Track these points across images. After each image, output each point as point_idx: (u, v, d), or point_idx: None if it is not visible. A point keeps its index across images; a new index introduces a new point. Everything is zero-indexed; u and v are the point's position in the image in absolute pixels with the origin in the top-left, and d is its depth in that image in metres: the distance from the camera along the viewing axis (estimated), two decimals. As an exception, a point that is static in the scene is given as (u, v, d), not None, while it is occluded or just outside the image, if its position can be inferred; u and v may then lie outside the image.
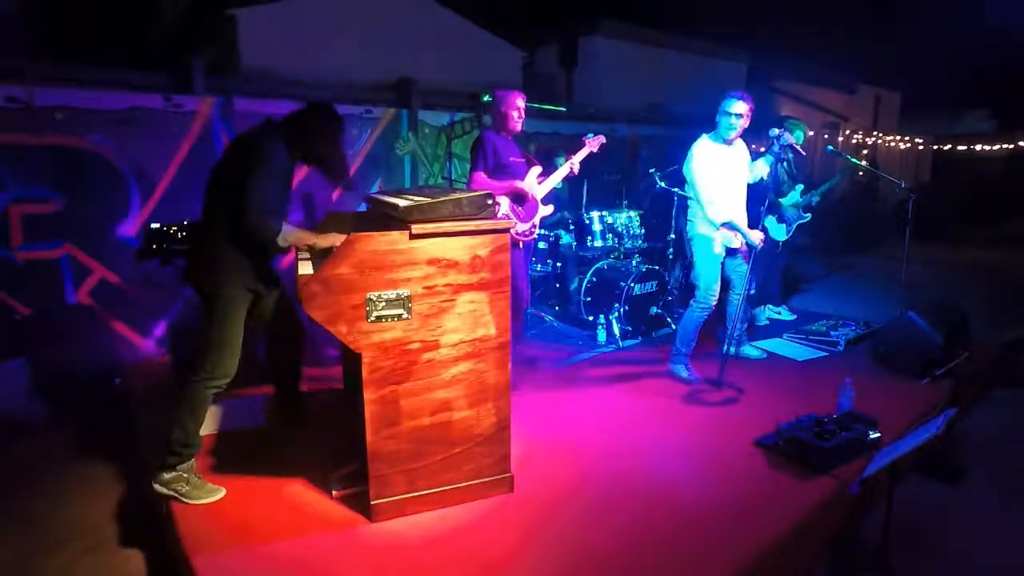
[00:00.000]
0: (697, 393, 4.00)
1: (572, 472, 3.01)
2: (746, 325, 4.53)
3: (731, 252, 4.12)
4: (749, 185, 4.19)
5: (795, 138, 5.14)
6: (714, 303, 4.07)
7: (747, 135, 4.12)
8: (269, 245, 2.74)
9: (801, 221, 5.37)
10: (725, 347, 4.16)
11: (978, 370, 4.49)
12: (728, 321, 4.32)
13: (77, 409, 4.05)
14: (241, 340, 2.82)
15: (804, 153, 4.56)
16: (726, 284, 4.24)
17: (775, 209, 5.21)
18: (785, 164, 5.25)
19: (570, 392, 4.03)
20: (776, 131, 4.15)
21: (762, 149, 4.34)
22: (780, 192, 5.26)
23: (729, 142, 4.03)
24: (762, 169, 4.28)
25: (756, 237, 3.99)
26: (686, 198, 5.17)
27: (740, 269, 4.17)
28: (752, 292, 4.15)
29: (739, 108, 3.92)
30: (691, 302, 4.15)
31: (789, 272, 6.15)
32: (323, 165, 2.93)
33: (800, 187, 5.33)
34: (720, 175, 3.98)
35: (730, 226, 3.99)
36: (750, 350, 4.62)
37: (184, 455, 2.73)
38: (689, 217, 4.17)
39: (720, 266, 4.07)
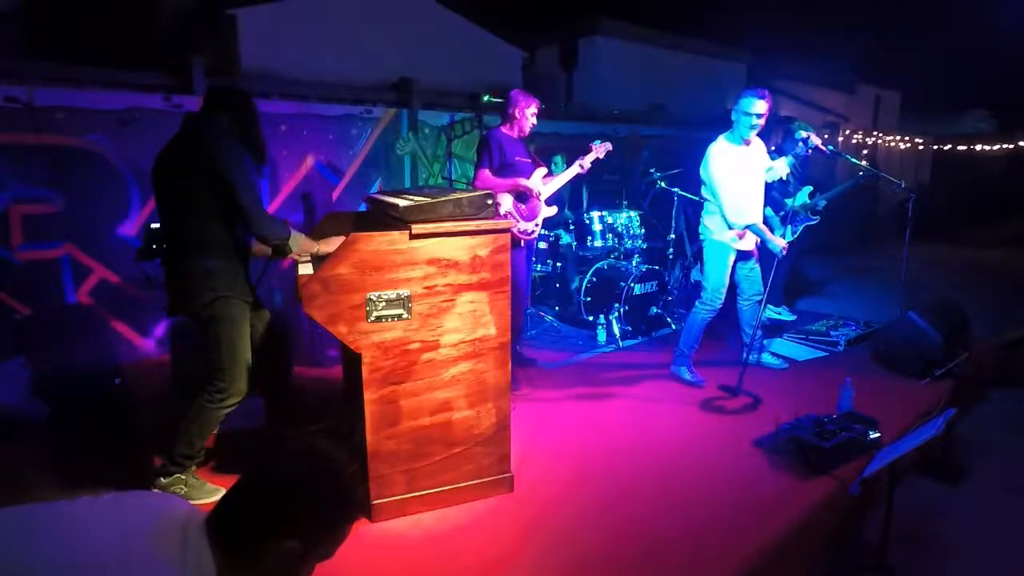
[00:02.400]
0: (697, 393, 4.00)
1: (572, 472, 3.02)
2: (761, 332, 4.37)
3: (742, 256, 4.04)
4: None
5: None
6: (720, 305, 4.02)
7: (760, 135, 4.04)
8: (280, 246, 2.67)
9: (809, 223, 5.36)
10: (745, 354, 4.07)
11: (978, 370, 4.48)
12: (743, 328, 4.23)
13: (77, 409, 4.05)
14: (250, 355, 2.72)
15: (827, 152, 4.48)
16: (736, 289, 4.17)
17: (779, 208, 5.20)
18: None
19: (570, 392, 4.03)
20: (803, 133, 4.08)
21: (772, 148, 4.29)
22: (787, 193, 5.26)
23: (748, 143, 3.93)
24: (782, 169, 4.22)
25: (779, 244, 3.92)
26: (686, 198, 5.14)
27: (752, 274, 4.10)
28: (761, 296, 4.08)
29: (760, 107, 3.77)
30: (696, 303, 4.10)
31: (796, 273, 6.14)
32: (253, 147, 2.74)
33: (808, 188, 5.32)
34: (740, 177, 3.87)
35: (753, 230, 3.91)
36: (770, 359, 4.50)
37: (186, 465, 2.72)
38: (703, 219, 4.06)
39: (730, 269, 4.00)
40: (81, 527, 1.18)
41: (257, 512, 1.22)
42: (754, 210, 3.94)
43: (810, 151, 4.06)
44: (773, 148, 5.38)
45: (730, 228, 3.90)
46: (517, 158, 3.99)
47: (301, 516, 1.23)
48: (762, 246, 4.06)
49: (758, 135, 4.00)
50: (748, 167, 3.94)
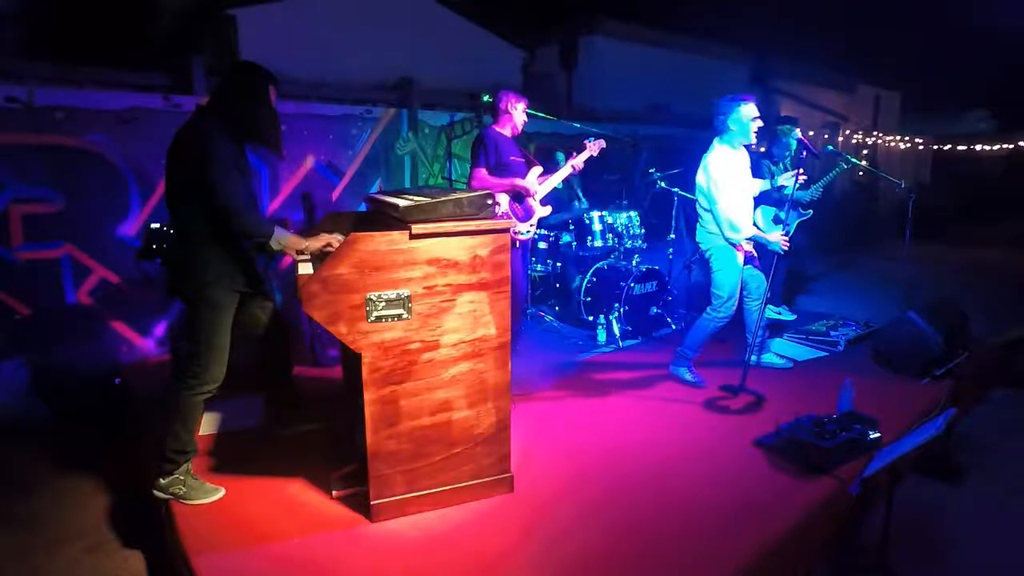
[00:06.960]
0: (697, 394, 4.00)
1: (572, 472, 3.01)
2: (766, 333, 4.30)
3: (746, 259, 4.00)
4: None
5: (788, 142, 5.18)
6: (733, 312, 3.96)
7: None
8: (263, 243, 2.66)
9: (802, 219, 5.35)
10: (748, 355, 4.01)
11: (978, 370, 4.48)
12: (747, 329, 4.18)
13: (77, 409, 4.05)
14: (229, 345, 2.74)
15: (817, 153, 4.49)
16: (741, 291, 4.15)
17: (777, 206, 5.20)
18: (784, 164, 5.24)
19: (570, 392, 4.03)
20: (798, 133, 4.14)
21: (762, 150, 4.32)
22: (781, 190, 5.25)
23: (748, 147, 3.90)
24: (789, 180, 4.24)
25: (778, 239, 3.89)
26: (686, 198, 5.09)
27: (756, 272, 4.07)
28: (766, 295, 4.07)
29: (756, 110, 3.78)
30: (708, 310, 4.00)
31: (792, 272, 6.13)
32: (258, 134, 2.75)
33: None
34: (740, 185, 3.84)
35: (753, 239, 3.89)
36: (773, 359, 4.47)
37: (180, 461, 2.72)
38: (705, 226, 3.96)
39: (741, 273, 3.96)
40: None
41: None
42: (749, 219, 3.91)
43: (804, 154, 4.10)
44: (763, 150, 5.37)
45: (727, 242, 3.86)
46: (512, 158, 3.99)
47: None
48: (762, 246, 4.05)
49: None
50: (745, 173, 3.94)
